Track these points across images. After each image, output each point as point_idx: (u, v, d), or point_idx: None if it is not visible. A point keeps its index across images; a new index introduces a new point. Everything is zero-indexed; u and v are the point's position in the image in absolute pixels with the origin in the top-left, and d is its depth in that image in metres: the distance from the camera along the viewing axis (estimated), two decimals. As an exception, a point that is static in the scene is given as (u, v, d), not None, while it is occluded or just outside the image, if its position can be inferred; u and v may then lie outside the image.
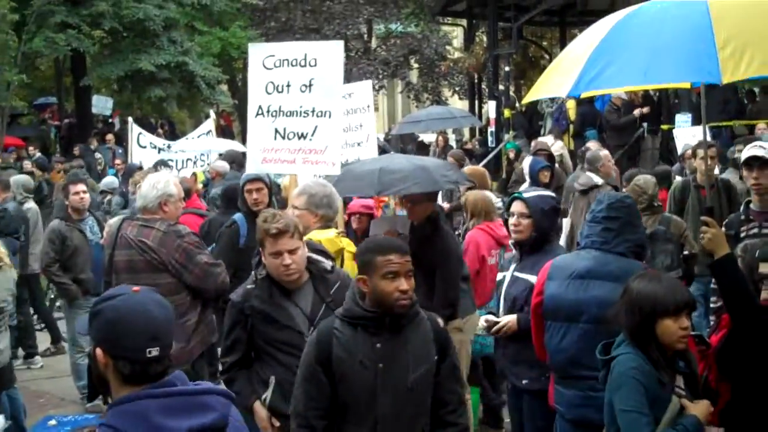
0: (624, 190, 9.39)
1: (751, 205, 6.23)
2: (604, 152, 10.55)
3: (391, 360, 3.90)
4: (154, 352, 2.67)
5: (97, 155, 20.62)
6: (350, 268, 5.89)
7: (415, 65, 32.52)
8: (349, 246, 6.32)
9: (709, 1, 4.26)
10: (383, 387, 3.89)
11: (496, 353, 5.70)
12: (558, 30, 25.14)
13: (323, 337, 3.97)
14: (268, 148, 7.12)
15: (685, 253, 7.75)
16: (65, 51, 21.40)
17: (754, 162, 6.13)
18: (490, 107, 19.95)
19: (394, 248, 3.92)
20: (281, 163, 7.14)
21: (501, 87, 20.07)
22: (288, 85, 7.06)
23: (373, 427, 3.93)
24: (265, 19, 30.64)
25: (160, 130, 25.41)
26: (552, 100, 17.15)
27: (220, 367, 5.05)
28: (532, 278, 5.19)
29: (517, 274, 5.49)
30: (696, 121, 13.82)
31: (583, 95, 5.86)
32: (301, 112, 7.05)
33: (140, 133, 14.89)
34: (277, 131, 7.10)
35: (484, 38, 25.29)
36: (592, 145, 12.39)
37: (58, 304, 11.54)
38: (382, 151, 15.36)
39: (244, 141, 18.16)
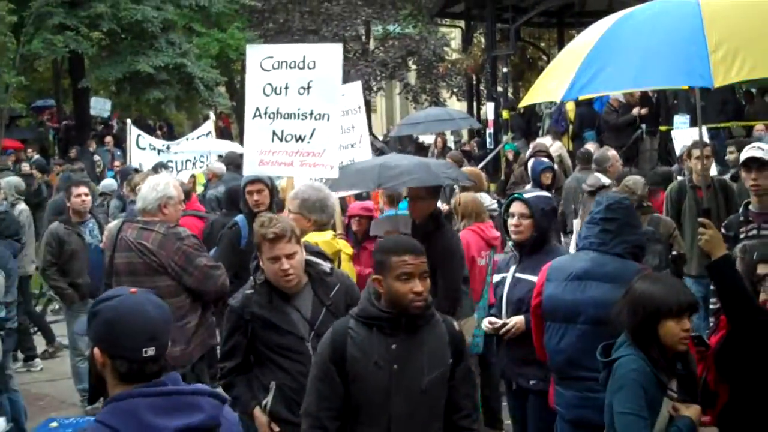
0: (614, 190, 9.43)
1: (750, 207, 6.24)
2: (612, 152, 10.58)
3: (406, 361, 3.85)
4: (151, 351, 2.75)
5: (96, 157, 20.62)
6: (347, 269, 5.93)
7: (413, 67, 32.50)
8: (345, 248, 6.33)
9: (701, 5, 4.27)
10: (397, 388, 3.85)
11: (499, 354, 5.67)
12: (556, 31, 25.18)
13: (338, 337, 3.92)
14: (266, 150, 7.11)
15: (674, 253, 7.79)
16: (63, 53, 21.41)
17: (752, 163, 6.15)
18: (488, 109, 19.97)
19: (409, 249, 3.87)
20: (278, 166, 7.12)
21: (499, 88, 20.10)
22: (286, 87, 7.05)
23: (386, 428, 3.89)
24: (263, 21, 30.63)
25: (158, 132, 25.43)
26: (550, 101, 17.16)
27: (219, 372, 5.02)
28: (535, 279, 5.18)
29: (519, 275, 5.49)
30: (694, 123, 13.83)
31: (581, 97, 5.88)
32: (299, 114, 7.04)
33: (139, 135, 14.90)
34: (274, 133, 7.08)
35: (482, 39, 25.33)
36: (591, 147, 12.43)
37: (54, 307, 11.56)
38: (380, 152, 15.44)
39: (242, 142, 18.22)
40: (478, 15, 23.17)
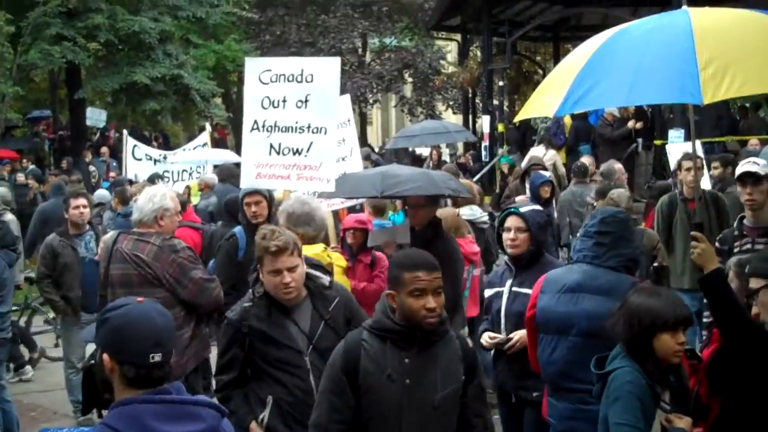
0: (596, 204, 9.48)
1: (745, 221, 6.28)
2: (618, 165, 10.63)
3: (420, 376, 3.81)
4: (157, 357, 2.88)
5: (92, 168, 20.61)
6: (341, 282, 5.93)
7: (409, 79, 32.63)
8: (338, 260, 6.36)
9: (693, 23, 4.31)
10: (409, 403, 3.80)
11: (497, 368, 5.60)
12: (552, 45, 25.29)
13: (351, 348, 3.87)
14: (263, 163, 7.11)
15: (655, 265, 7.82)
16: (60, 63, 21.39)
17: (748, 178, 6.19)
18: (484, 122, 20.01)
19: (422, 265, 3.80)
20: (276, 179, 7.12)
21: (495, 102, 20.15)
22: (284, 101, 7.05)
23: None
24: (260, 33, 30.76)
25: (154, 143, 25.46)
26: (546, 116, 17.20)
27: (214, 384, 4.96)
28: None
29: (516, 289, 5.47)
30: (689, 137, 13.86)
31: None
32: (296, 127, 7.03)
33: (135, 146, 14.90)
34: (272, 146, 7.08)
35: (478, 53, 25.41)
36: (586, 160, 12.48)
37: (48, 317, 11.53)
38: (375, 164, 15.45)
39: (239, 152, 18.23)
40: (474, 28, 23.26)
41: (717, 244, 6.13)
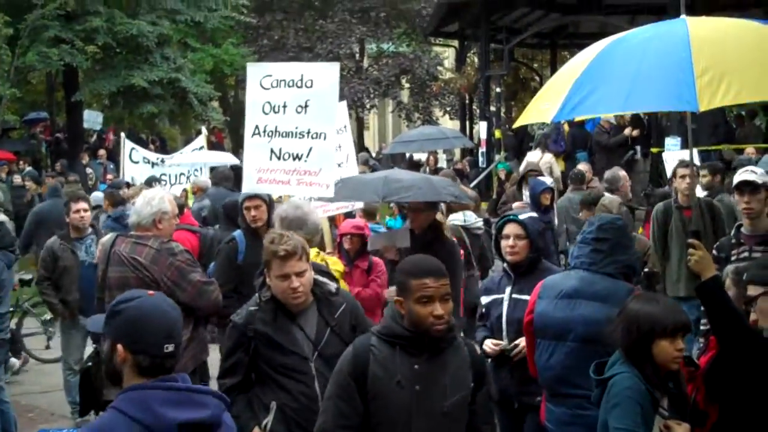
0: (580, 215, 9.51)
1: (742, 229, 6.32)
2: (623, 173, 10.64)
3: (429, 382, 3.77)
4: (170, 348, 3.01)
5: (89, 170, 20.59)
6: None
7: (407, 85, 32.68)
8: (335, 265, 6.37)
9: (690, 32, 4.36)
10: (418, 409, 3.76)
11: (499, 374, 5.55)
12: (549, 52, 25.35)
13: (360, 354, 3.84)
14: (264, 168, 7.12)
15: (646, 270, 7.84)
16: (58, 66, 21.39)
17: (745, 187, 6.22)
18: (481, 128, 20.06)
19: (429, 272, 3.77)
20: (276, 184, 7.11)
21: (492, 108, 20.19)
22: (284, 106, 7.05)
23: None
24: (258, 37, 30.82)
25: (151, 146, 25.41)
26: (543, 122, 17.24)
27: (217, 388, 4.84)
28: None
29: (516, 296, 5.46)
30: (686, 145, 13.91)
31: (577, 119, 5.96)
32: (296, 133, 7.04)
33: (133, 149, 14.87)
34: (272, 151, 7.09)
35: (476, 59, 25.47)
36: (583, 167, 12.50)
37: (45, 317, 11.51)
38: (372, 170, 15.48)
39: (236, 156, 18.30)
40: (472, 35, 23.34)
41: (714, 252, 6.16)
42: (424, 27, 27.89)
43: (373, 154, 27.04)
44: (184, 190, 13.54)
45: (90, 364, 6.06)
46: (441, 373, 3.80)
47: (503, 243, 5.58)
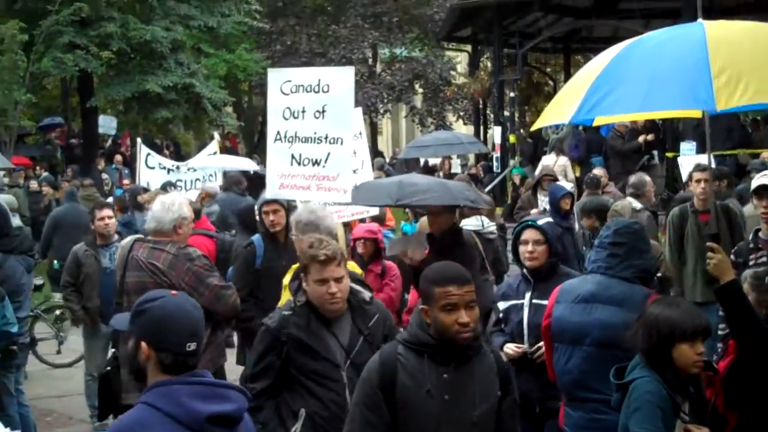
0: (581, 223, 9.48)
1: (760, 234, 6.30)
2: (648, 178, 10.62)
3: (458, 392, 3.72)
4: (192, 346, 3.11)
5: (104, 176, 20.69)
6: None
7: (420, 90, 32.72)
8: (353, 268, 6.36)
9: (707, 32, 4.36)
10: (448, 419, 3.70)
11: (521, 379, 5.35)
12: (562, 57, 25.32)
13: (387, 363, 3.77)
14: (285, 173, 7.13)
15: (659, 275, 7.81)
16: (73, 71, 21.48)
17: (763, 191, 6.21)
18: (495, 133, 20.04)
19: (453, 279, 3.71)
20: (297, 189, 7.12)
21: (506, 113, 20.16)
22: (303, 111, 7.06)
23: None
24: (271, 43, 30.92)
25: (165, 152, 25.53)
26: (557, 126, 17.24)
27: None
28: None
29: (537, 301, 5.45)
30: (701, 149, 13.90)
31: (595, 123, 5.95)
32: (315, 138, 7.05)
33: (149, 154, 14.94)
34: (293, 157, 7.10)
35: (488, 64, 25.46)
36: (598, 172, 12.49)
37: (64, 317, 11.57)
38: (387, 175, 15.51)
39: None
40: (485, 39, 23.32)
41: (732, 256, 6.13)
42: (436, 32, 27.90)
43: (387, 159, 27.04)
44: (200, 195, 13.59)
45: (109, 369, 6.11)
46: (469, 382, 3.75)
47: (522, 249, 5.57)
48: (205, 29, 24.36)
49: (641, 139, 15.74)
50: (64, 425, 8.60)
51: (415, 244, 6.65)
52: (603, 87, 4.45)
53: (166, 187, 12.82)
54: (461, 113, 31.90)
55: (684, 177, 12.45)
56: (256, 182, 15.44)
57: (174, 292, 3.31)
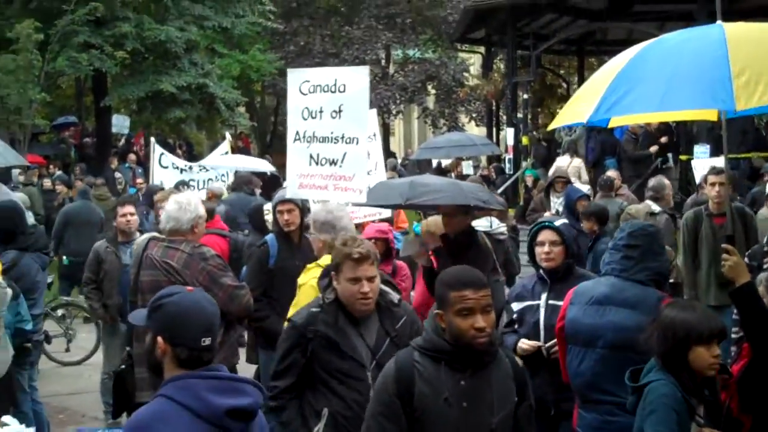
0: (584, 226, 9.45)
1: (776, 237, 6.28)
2: (667, 181, 10.61)
3: (476, 399, 3.67)
4: (207, 341, 3.19)
5: (117, 174, 20.76)
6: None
7: (433, 91, 32.71)
8: None
9: (726, 32, 4.36)
10: (467, 427, 3.65)
11: (536, 381, 5.28)
12: (576, 58, 25.27)
13: (404, 370, 3.71)
14: (304, 173, 7.13)
15: (670, 281, 7.80)
16: (88, 71, 21.55)
17: None
18: (508, 134, 20.02)
19: (468, 283, 3.66)
20: (315, 189, 7.12)
21: (519, 114, 20.13)
22: (320, 111, 7.07)
23: None
24: (285, 43, 30.95)
25: (178, 151, 25.59)
26: (570, 128, 17.23)
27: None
28: None
29: (553, 302, 5.41)
30: (714, 152, 13.87)
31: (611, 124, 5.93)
32: (331, 138, 7.05)
33: (162, 154, 15.00)
34: (311, 157, 7.10)
35: (502, 66, 25.43)
36: (612, 174, 12.47)
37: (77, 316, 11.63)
38: (399, 176, 15.50)
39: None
40: (498, 41, 23.29)
41: (746, 259, 6.12)
42: (450, 33, 27.87)
43: (399, 161, 27.04)
44: (207, 195, 13.62)
45: (123, 367, 6.13)
46: (487, 389, 3.70)
47: (538, 250, 5.55)
48: (219, 30, 24.41)
49: (653, 149, 15.70)
50: (77, 422, 8.60)
51: (430, 244, 6.63)
52: (621, 86, 4.44)
53: (179, 186, 12.84)
54: (474, 115, 31.87)
55: (697, 180, 12.43)
56: (269, 183, 15.51)
57: (190, 288, 3.39)
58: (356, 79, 7.04)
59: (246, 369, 7.17)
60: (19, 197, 10.99)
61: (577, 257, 5.77)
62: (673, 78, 4.32)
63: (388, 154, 27.62)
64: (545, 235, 5.54)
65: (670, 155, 16.02)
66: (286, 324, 4.96)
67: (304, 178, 7.14)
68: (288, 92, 7.29)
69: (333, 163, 7.03)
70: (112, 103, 24.15)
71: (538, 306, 5.54)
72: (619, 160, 15.99)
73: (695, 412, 3.88)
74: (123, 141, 27.19)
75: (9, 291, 6.40)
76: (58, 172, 21.35)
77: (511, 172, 19.26)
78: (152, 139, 15.79)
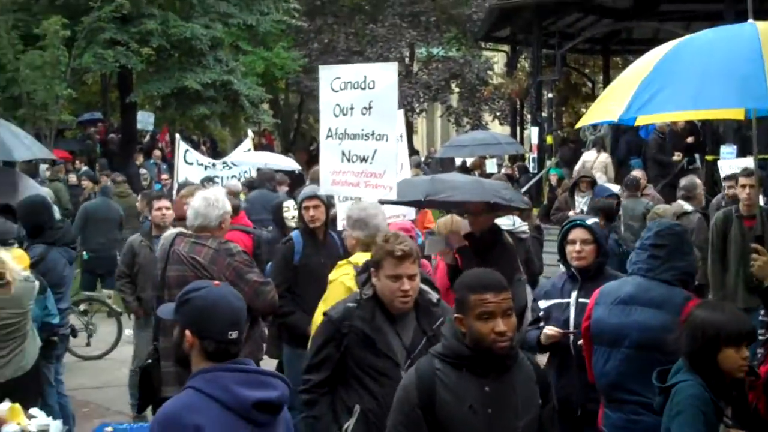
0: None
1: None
2: (699, 181, 10.55)
3: (501, 404, 3.60)
4: (234, 335, 3.25)
5: (142, 171, 20.88)
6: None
7: (456, 89, 32.66)
8: None
9: (759, 30, 4.33)
10: None
11: (561, 381, 5.33)
12: (601, 58, 25.15)
13: (425, 380, 3.63)
14: (336, 170, 7.11)
15: (696, 283, 7.75)
16: (113, 67, 21.73)
17: None
18: (532, 133, 19.97)
19: (489, 286, 3.59)
20: (347, 186, 7.09)
21: (544, 113, 20.07)
22: (351, 108, 7.04)
23: None
24: (309, 41, 31.01)
25: (202, 148, 25.71)
26: (594, 127, 17.16)
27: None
28: None
29: (583, 300, 5.34)
30: (741, 153, 13.77)
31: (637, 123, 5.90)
32: (362, 135, 7.02)
33: (187, 150, 15.06)
34: (343, 154, 7.08)
35: (526, 64, 25.35)
36: (637, 173, 12.40)
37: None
38: (423, 174, 15.49)
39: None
40: (523, 40, 23.23)
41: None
42: (474, 31, 27.82)
43: (422, 159, 27.02)
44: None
45: (149, 361, 6.17)
46: (511, 393, 3.64)
47: (569, 248, 5.50)
48: (244, 27, 24.51)
49: (677, 157, 15.60)
50: (102, 416, 8.65)
51: (454, 242, 6.61)
52: (654, 85, 4.41)
53: (204, 182, 12.89)
54: (497, 113, 31.81)
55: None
56: (295, 180, 15.58)
57: (217, 282, 3.44)
58: (385, 75, 7.01)
59: (266, 363, 7.18)
60: (45, 192, 11.07)
61: (608, 256, 5.68)
62: (705, 76, 4.30)
63: (412, 151, 27.61)
64: (577, 234, 5.49)
65: (696, 156, 15.91)
66: (318, 318, 4.94)
67: (337, 174, 7.13)
68: (320, 89, 7.28)
69: (364, 159, 6.99)
70: (137, 100, 24.31)
71: (567, 304, 5.48)
72: (644, 160, 15.91)
73: (723, 413, 3.85)
74: (148, 137, 27.35)
75: (36, 284, 6.45)
76: (84, 168, 21.51)
77: (536, 171, 19.21)
78: (177, 136, 15.86)
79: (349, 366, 4.52)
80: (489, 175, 17.12)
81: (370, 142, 6.95)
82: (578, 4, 19.13)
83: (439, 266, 7.16)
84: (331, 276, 5.63)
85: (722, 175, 12.66)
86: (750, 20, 4.56)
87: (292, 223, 8.41)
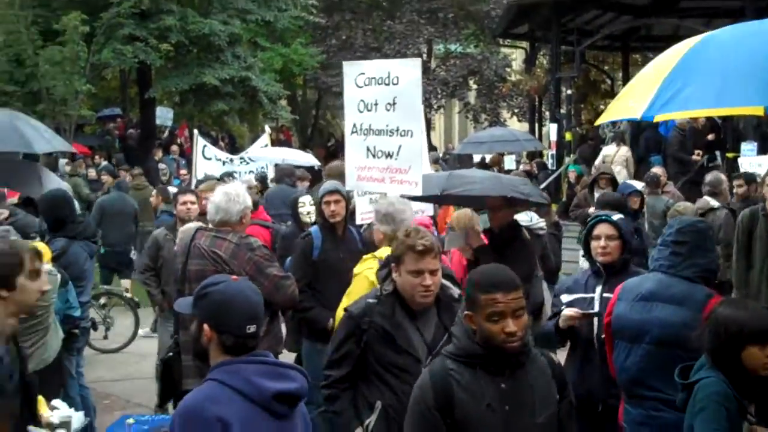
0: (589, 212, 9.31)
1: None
2: (724, 176, 10.50)
3: (518, 401, 3.56)
4: (252, 329, 3.28)
5: (162, 166, 20.97)
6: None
7: (474, 86, 32.62)
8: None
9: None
10: (511, 431, 3.54)
11: (583, 376, 5.28)
12: (620, 54, 25.06)
13: (440, 381, 3.58)
14: (362, 166, 7.10)
15: (716, 281, 7.69)
16: (132, 63, 21.81)
17: None
18: (551, 130, 19.92)
19: (499, 285, 3.52)
20: (373, 182, 7.08)
21: (562, 110, 20.01)
22: (375, 104, 7.02)
23: None
24: (326, 37, 31.04)
25: (221, 143, 25.77)
26: (613, 124, 17.12)
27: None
28: None
29: (608, 295, 5.24)
30: (761, 150, 13.70)
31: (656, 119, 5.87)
32: (387, 130, 7.00)
33: (205, 146, 15.12)
34: (368, 149, 7.06)
35: (544, 61, 25.28)
36: (658, 171, 12.36)
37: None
38: (441, 170, 15.48)
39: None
40: (542, 37, 23.17)
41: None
42: (493, 28, 27.77)
43: (440, 155, 27.02)
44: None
45: (170, 355, 6.20)
46: (528, 389, 3.60)
47: (594, 244, 5.44)
48: (262, 23, 24.56)
49: (696, 156, 15.55)
50: (122, 408, 8.72)
51: (472, 239, 6.60)
52: (676, 82, 4.40)
53: (224, 177, 12.93)
54: (516, 110, 31.75)
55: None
56: (315, 176, 15.60)
57: (235, 277, 3.47)
58: (409, 71, 6.99)
59: (284, 356, 7.20)
60: (66, 186, 11.13)
61: (633, 252, 5.63)
62: (728, 73, 4.28)
63: (430, 148, 27.60)
64: (602, 229, 5.43)
65: (717, 153, 15.83)
66: (341, 312, 4.95)
67: (362, 170, 7.11)
68: (344, 85, 7.27)
69: (389, 155, 6.96)
70: (156, 95, 24.41)
71: (591, 299, 5.43)
72: (664, 157, 15.85)
73: (746, 410, 3.83)
74: (166, 133, 27.45)
75: (58, 277, 6.49)
76: (104, 163, 21.61)
77: (554, 168, 19.16)
78: (195, 131, 15.92)
79: (369, 362, 4.50)
80: (507, 172, 17.11)
81: (395, 138, 6.93)
82: (597, 0, 19.05)
83: (453, 258, 7.16)
84: (356, 270, 5.65)
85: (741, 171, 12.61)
86: (774, 16, 4.54)
87: (307, 219, 8.41)
